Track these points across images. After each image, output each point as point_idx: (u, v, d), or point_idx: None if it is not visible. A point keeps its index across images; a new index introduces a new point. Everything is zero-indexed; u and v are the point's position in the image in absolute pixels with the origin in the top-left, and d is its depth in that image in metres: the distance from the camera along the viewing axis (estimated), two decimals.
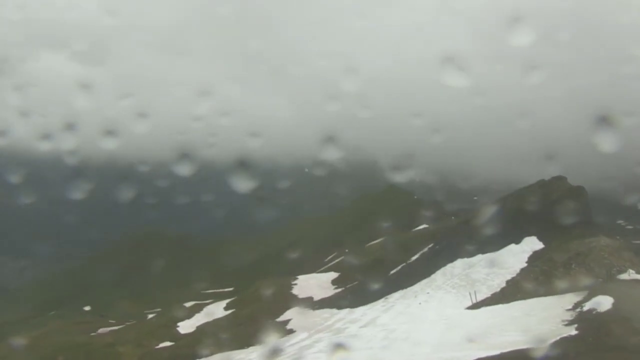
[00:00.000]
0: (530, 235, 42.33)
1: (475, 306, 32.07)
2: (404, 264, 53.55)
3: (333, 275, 68.34)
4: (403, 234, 77.46)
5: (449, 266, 42.14)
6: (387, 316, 34.68)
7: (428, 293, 37.92)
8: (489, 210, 53.01)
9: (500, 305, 29.37)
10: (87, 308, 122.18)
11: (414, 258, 54.56)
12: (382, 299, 41.02)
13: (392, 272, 52.80)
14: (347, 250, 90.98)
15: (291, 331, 44.48)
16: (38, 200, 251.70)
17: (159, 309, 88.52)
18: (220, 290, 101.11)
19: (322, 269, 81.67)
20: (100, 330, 69.95)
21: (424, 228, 77.43)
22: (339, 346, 30.58)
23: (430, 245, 54.64)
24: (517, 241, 41.87)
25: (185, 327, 60.84)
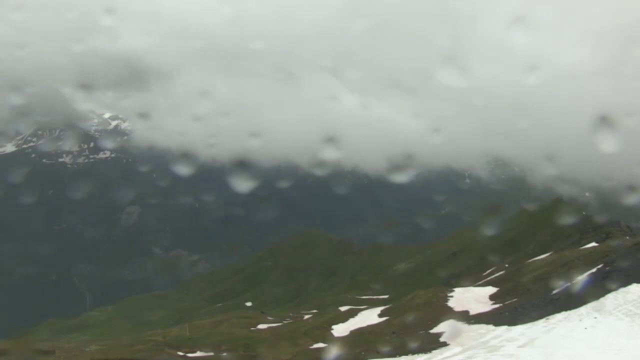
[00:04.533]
0: None
1: None
2: (569, 283, 50.06)
3: (491, 290, 65.96)
4: (569, 251, 72.63)
5: (622, 291, 38.64)
6: (548, 338, 32.74)
7: (595, 318, 35.05)
8: None
9: None
10: (248, 304, 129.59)
11: (580, 278, 50.83)
12: (543, 319, 38.74)
13: (556, 291, 49.66)
14: (507, 265, 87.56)
15: (444, 344, 43.71)
16: (204, 198, 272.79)
17: (315, 311, 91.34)
18: (376, 297, 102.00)
19: (480, 282, 79.34)
20: (260, 326, 73.80)
21: (593, 247, 71.97)
22: None
23: (599, 266, 50.57)
24: None
25: (339, 330, 62.15)
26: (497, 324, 44.42)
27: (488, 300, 61.17)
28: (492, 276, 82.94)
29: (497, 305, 57.09)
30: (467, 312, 56.05)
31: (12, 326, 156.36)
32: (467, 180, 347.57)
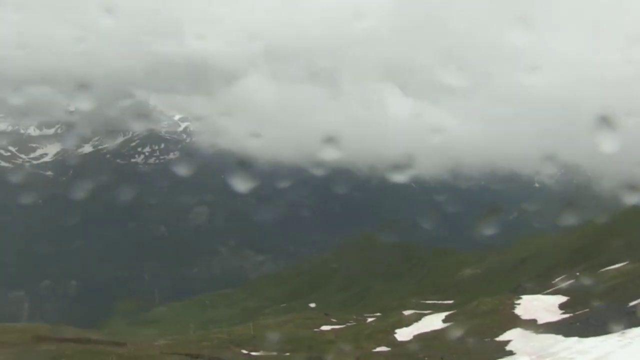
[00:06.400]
0: None
1: None
2: None
3: (561, 298, 63.66)
4: None
5: None
6: (623, 353, 31.19)
7: None
8: None
9: None
10: (312, 305, 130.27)
11: None
12: (618, 333, 36.95)
13: (632, 303, 47.37)
14: (578, 273, 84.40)
15: (511, 353, 42.69)
16: (272, 199, 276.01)
17: (378, 314, 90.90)
18: (441, 302, 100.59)
19: (549, 290, 76.78)
20: (323, 327, 74.06)
21: None
22: None
23: None
24: None
25: (403, 334, 61.55)
26: (567, 334, 42.85)
27: (557, 309, 59.08)
28: (562, 284, 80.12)
29: (567, 315, 55.04)
30: (535, 320, 54.39)
31: (87, 317, 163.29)
32: (537, 185, 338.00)
